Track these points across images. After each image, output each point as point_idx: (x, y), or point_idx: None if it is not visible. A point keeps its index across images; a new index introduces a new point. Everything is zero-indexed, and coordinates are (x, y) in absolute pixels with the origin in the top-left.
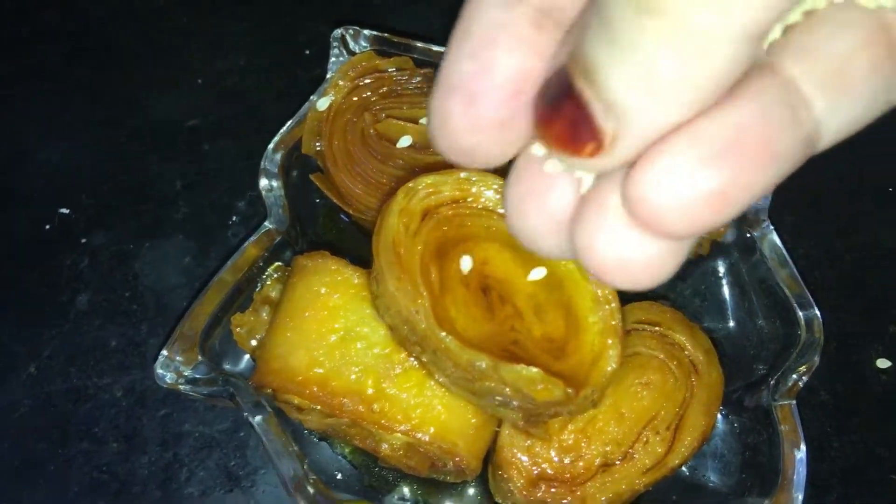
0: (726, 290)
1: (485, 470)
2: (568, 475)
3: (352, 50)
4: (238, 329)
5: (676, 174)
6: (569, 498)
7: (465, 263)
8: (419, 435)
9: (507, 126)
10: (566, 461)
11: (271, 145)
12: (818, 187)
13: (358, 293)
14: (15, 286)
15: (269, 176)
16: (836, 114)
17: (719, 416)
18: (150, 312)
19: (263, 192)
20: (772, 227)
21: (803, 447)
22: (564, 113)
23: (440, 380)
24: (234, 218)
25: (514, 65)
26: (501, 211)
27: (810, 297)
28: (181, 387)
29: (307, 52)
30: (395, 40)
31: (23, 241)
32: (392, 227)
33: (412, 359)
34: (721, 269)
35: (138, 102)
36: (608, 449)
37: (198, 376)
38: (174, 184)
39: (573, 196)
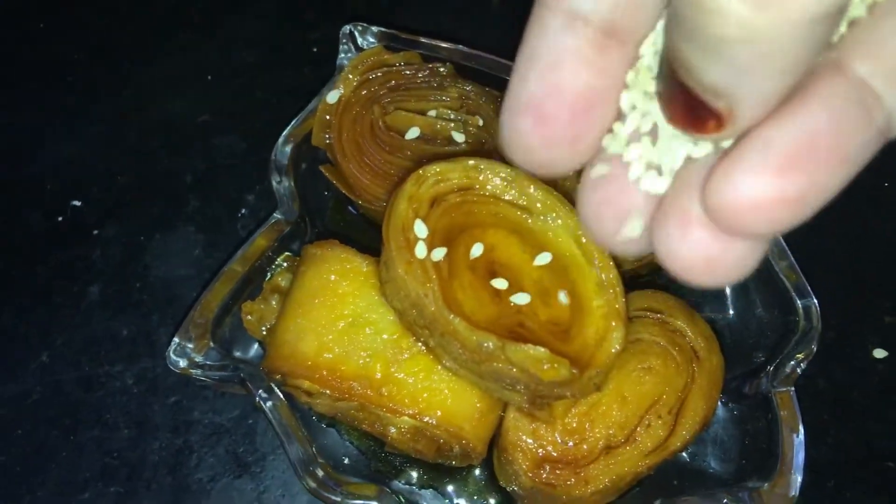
0: None
1: (490, 454)
2: (572, 457)
3: (360, 46)
4: (248, 316)
5: (754, 183)
6: (573, 479)
7: (477, 250)
8: (426, 418)
9: (576, 140)
10: (570, 444)
11: (282, 138)
12: None
13: (367, 280)
14: (28, 276)
15: (280, 168)
16: None
17: (719, 403)
18: (161, 303)
19: (274, 184)
20: None
21: (801, 431)
22: (682, 100)
23: (447, 364)
24: (243, 211)
25: (580, 85)
26: (508, 198)
27: (808, 286)
28: (193, 372)
29: (315, 49)
30: (403, 36)
31: (36, 233)
32: (402, 212)
33: (420, 344)
34: None
35: (150, 98)
36: (611, 432)
37: (209, 362)
38: (184, 178)
39: (646, 202)
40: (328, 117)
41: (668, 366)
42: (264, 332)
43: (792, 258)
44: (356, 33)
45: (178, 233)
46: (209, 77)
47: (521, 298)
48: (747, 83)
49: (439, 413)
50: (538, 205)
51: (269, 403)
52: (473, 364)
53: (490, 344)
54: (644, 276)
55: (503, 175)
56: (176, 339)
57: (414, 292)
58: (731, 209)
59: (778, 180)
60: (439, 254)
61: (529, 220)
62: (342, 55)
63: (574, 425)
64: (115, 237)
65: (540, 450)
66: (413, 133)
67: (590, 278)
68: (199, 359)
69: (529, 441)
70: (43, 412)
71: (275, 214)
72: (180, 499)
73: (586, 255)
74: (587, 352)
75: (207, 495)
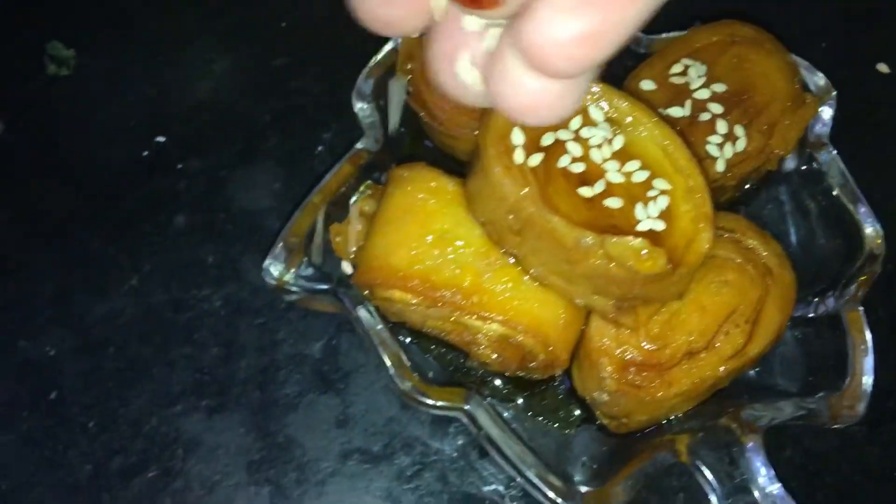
0: (788, 211)
1: (568, 371)
2: (655, 361)
3: None
4: (337, 238)
5: (552, 23)
6: (657, 381)
7: (568, 158)
8: (515, 324)
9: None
10: (653, 348)
11: (366, 68)
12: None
13: (454, 198)
14: (115, 206)
15: (363, 97)
16: None
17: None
18: (244, 232)
19: (359, 115)
20: (833, 150)
21: (870, 344)
22: None
23: (534, 273)
24: (319, 148)
25: None
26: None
27: (871, 211)
28: (287, 278)
29: None
30: None
31: (122, 165)
32: (499, 120)
33: (507, 257)
34: (783, 195)
35: (230, 45)
36: (692, 338)
37: (304, 274)
38: (264, 116)
39: (476, 46)
40: (412, 46)
41: (743, 279)
42: (352, 254)
43: (854, 184)
44: None
45: (259, 167)
46: (283, 24)
47: (613, 202)
48: None
49: (527, 320)
50: (628, 118)
51: (362, 312)
52: (567, 265)
53: (589, 239)
54: (728, 194)
55: (594, 90)
56: (277, 246)
57: (513, 196)
58: (536, 50)
59: (573, 20)
60: (536, 159)
61: (618, 131)
62: None
63: (656, 331)
64: (199, 170)
65: (626, 354)
66: None
67: (678, 184)
68: (292, 273)
69: (614, 346)
70: (135, 331)
71: (356, 146)
72: (269, 412)
73: (673, 163)
74: (677, 252)
75: (295, 409)
